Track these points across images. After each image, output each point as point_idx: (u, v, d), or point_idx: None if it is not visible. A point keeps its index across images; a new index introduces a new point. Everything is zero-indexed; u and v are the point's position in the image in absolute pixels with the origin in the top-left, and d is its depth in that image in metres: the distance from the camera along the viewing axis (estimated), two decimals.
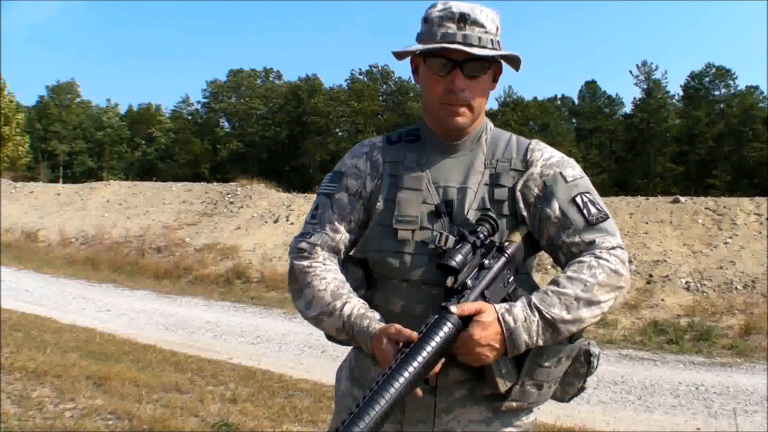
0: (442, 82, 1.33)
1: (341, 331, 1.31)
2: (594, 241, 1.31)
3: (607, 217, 1.34)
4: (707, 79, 50.77)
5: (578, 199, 1.34)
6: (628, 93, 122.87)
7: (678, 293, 8.82)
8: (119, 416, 3.95)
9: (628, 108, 54.15)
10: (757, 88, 49.61)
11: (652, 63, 53.52)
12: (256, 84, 57.92)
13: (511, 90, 58.19)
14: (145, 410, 4.05)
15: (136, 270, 11.99)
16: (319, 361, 6.21)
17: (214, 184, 17.69)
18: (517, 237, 1.34)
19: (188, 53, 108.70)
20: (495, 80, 1.42)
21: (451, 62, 1.31)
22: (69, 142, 55.72)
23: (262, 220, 13.73)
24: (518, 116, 53.21)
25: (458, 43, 1.29)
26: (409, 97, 50.70)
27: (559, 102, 57.19)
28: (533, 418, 1.41)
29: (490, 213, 1.33)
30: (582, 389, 1.41)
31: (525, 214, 1.36)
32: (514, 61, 1.40)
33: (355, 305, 1.31)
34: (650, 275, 9.33)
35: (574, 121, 56.06)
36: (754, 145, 45.97)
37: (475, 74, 1.34)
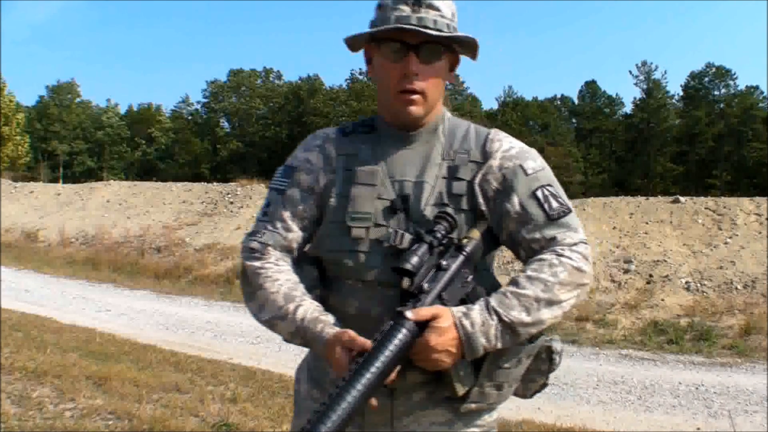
0: (396, 68, 1.28)
1: (295, 335, 1.26)
2: (555, 238, 1.26)
3: (570, 211, 1.29)
4: (707, 79, 50.81)
5: (539, 193, 1.29)
6: (628, 93, 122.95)
7: (678, 293, 8.82)
8: (119, 416, 3.95)
9: (628, 108, 54.24)
10: (757, 88, 49.73)
11: (652, 63, 53.60)
12: (256, 84, 57.95)
13: (511, 90, 58.29)
14: (145, 410, 4.04)
15: (136, 270, 11.99)
16: None
17: (214, 184, 17.69)
18: (476, 233, 1.29)
19: (188, 53, 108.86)
20: (452, 70, 1.37)
21: (406, 46, 1.26)
22: (69, 142, 55.73)
23: None
24: (518, 116, 53.23)
25: (413, 25, 1.24)
26: None
27: (559, 102, 57.23)
28: (497, 416, 1.37)
29: (448, 209, 1.27)
30: (544, 385, 1.36)
31: (484, 208, 1.30)
32: (471, 48, 1.35)
33: (308, 309, 1.25)
34: (650, 275, 9.32)
35: (574, 121, 56.10)
36: (754, 145, 46.00)
37: (430, 59, 1.28)
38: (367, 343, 1.13)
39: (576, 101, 56.56)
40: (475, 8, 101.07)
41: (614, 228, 10.88)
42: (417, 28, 1.24)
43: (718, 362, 6.70)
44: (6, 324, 6.58)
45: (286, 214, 1.35)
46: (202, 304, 9.49)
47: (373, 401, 1.12)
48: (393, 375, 1.14)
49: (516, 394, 1.35)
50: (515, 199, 1.29)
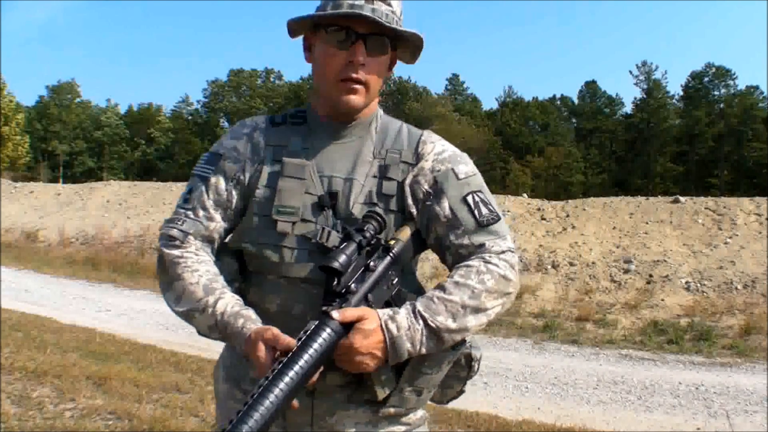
0: (341, 55, 1.25)
1: (213, 329, 1.21)
2: (484, 245, 1.24)
3: (499, 218, 1.28)
4: (707, 79, 50.82)
5: (469, 199, 1.27)
6: (628, 93, 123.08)
7: (678, 293, 8.82)
8: (119, 416, 3.95)
9: (628, 108, 54.27)
10: (757, 88, 49.75)
11: (652, 63, 53.75)
12: (256, 84, 57.98)
13: (511, 90, 58.29)
14: (145, 410, 4.05)
15: (136, 270, 11.98)
16: None
17: None
18: (404, 235, 1.26)
19: (188, 53, 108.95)
20: (390, 68, 1.35)
21: (355, 34, 1.24)
22: (69, 142, 55.74)
23: None
24: (518, 116, 53.23)
25: (367, 14, 1.22)
26: (409, 97, 50.71)
27: (559, 102, 57.23)
28: (422, 413, 1.34)
29: (377, 209, 1.25)
30: (461, 392, 1.34)
31: (413, 210, 1.27)
32: (415, 49, 1.33)
33: (228, 302, 1.20)
34: (650, 275, 9.33)
35: (574, 121, 56.10)
36: (754, 145, 46.02)
37: (376, 51, 1.26)
38: (292, 341, 1.09)
39: (576, 101, 56.58)
40: (476, 7, 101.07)
41: (614, 228, 10.88)
42: (371, 16, 1.22)
43: (718, 362, 6.70)
44: (6, 324, 6.57)
45: (209, 203, 1.30)
46: None
47: (295, 402, 1.08)
48: (315, 376, 1.11)
49: (433, 399, 1.33)
50: (445, 203, 1.27)
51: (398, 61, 1.39)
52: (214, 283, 1.24)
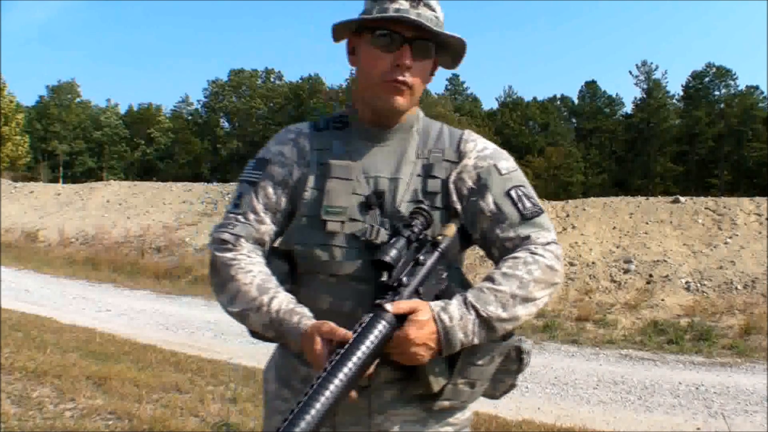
0: (388, 58, 1.27)
1: (268, 327, 1.23)
2: (529, 237, 1.27)
3: (542, 212, 1.31)
4: (707, 79, 50.83)
5: (513, 193, 1.31)
6: (628, 93, 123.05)
7: (678, 293, 8.82)
8: (119, 416, 3.95)
9: (628, 108, 54.26)
10: (757, 88, 49.76)
11: (652, 63, 53.61)
12: (256, 84, 57.97)
13: (511, 90, 58.33)
14: (145, 410, 4.05)
15: (136, 270, 11.99)
16: None
17: (214, 184, 17.70)
18: (450, 231, 1.29)
19: (188, 53, 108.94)
20: (432, 73, 1.38)
21: (402, 38, 1.26)
22: (69, 142, 55.74)
23: None
24: (518, 116, 53.25)
25: (414, 19, 1.25)
26: None
27: (559, 102, 57.24)
28: (469, 414, 1.37)
29: (424, 205, 1.28)
30: (513, 386, 1.36)
31: (458, 206, 1.31)
32: (457, 54, 1.35)
33: (283, 300, 1.23)
34: (650, 275, 9.33)
35: (574, 121, 56.11)
36: (754, 145, 46.02)
37: (422, 56, 1.29)
38: (348, 333, 1.12)
39: (576, 101, 56.58)
40: (476, 8, 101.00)
41: (614, 228, 10.88)
42: (419, 21, 1.24)
43: (718, 362, 6.69)
44: (6, 324, 6.58)
45: (259, 207, 1.33)
46: (202, 304, 9.47)
47: (353, 394, 1.10)
48: (372, 368, 1.13)
49: (485, 394, 1.34)
50: (490, 198, 1.30)
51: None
52: (268, 282, 1.26)
